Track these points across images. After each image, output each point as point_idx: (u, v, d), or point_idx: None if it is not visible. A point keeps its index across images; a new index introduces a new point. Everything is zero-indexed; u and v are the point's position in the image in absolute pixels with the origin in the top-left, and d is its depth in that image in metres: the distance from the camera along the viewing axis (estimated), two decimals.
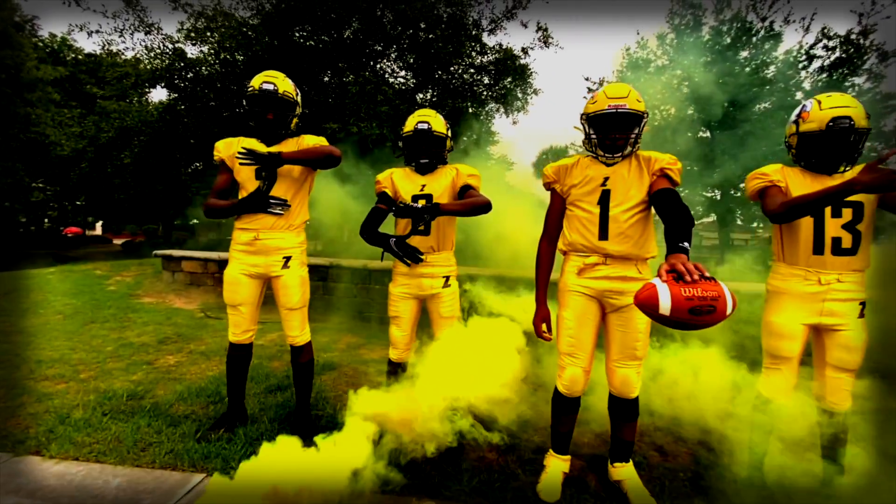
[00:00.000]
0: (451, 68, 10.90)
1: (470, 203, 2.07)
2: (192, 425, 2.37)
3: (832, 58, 10.12)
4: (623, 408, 1.92)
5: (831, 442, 1.88)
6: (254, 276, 2.24)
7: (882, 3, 9.64)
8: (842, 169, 1.81)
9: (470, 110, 11.09)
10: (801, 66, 10.38)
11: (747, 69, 10.39)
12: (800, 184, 1.83)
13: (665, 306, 1.25)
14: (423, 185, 2.23)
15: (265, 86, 2.13)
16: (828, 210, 1.77)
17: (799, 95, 10.21)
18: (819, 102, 1.81)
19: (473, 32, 10.60)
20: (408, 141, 2.26)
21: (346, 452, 1.76)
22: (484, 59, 11.11)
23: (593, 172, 1.89)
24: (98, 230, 31.24)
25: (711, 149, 10.32)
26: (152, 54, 10.37)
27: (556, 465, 2.00)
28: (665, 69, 11.26)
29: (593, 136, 1.88)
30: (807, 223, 1.81)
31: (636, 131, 1.82)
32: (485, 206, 2.08)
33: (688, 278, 1.26)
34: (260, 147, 2.20)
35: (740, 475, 1.99)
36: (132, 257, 11.11)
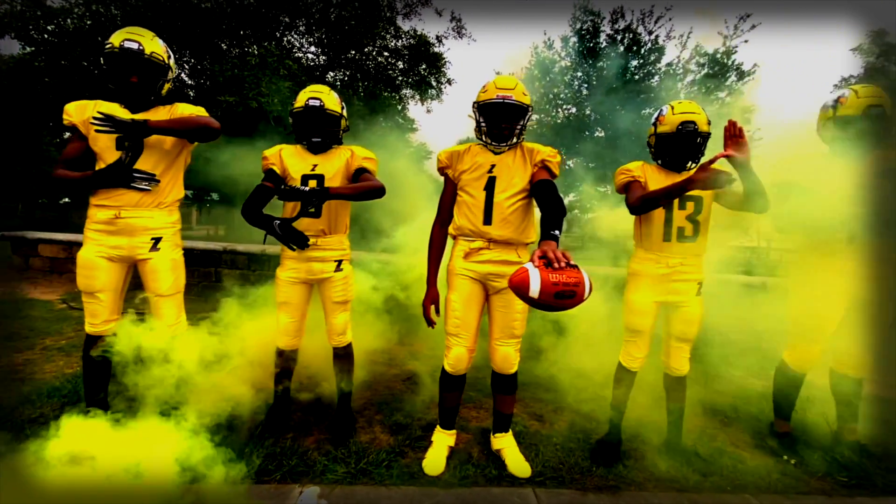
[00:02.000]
0: (365, 49, 10.58)
1: (362, 187, 2.02)
2: (38, 430, 2.06)
3: (702, 73, 11.61)
4: (503, 383, 2.05)
5: (674, 401, 2.20)
6: (115, 259, 1.99)
7: (742, 28, 11.28)
8: (689, 166, 2.09)
9: (384, 94, 10.89)
10: (678, 78, 11.75)
11: (637, 77, 11.52)
12: (655, 179, 2.08)
13: (535, 290, 1.34)
14: (315, 165, 2.14)
15: (127, 44, 1.87)
16: (676, 203, 2.04)
17: None
18: (672, 108, 2.07)
19: (388, 14, 10.38)
20: (298, 117, 2.15)
21: None
22: (398, 44, 10.95)
23: (482, 159, 1.96)
24: None
25: (605, 147, 11.31)
26: None
27: (442, 440, 2.09)
28: (568, 70, 12.04)
29: (483, 124, 1.96)
30: (659, 214, 2.07)
31: (521, 123, 1.93)
32: (378, 191, 2.04)
33: (556, 265, 1.37)
34: (122, 113, 1.94)
35: (604, 435, 2.24)
36: None
